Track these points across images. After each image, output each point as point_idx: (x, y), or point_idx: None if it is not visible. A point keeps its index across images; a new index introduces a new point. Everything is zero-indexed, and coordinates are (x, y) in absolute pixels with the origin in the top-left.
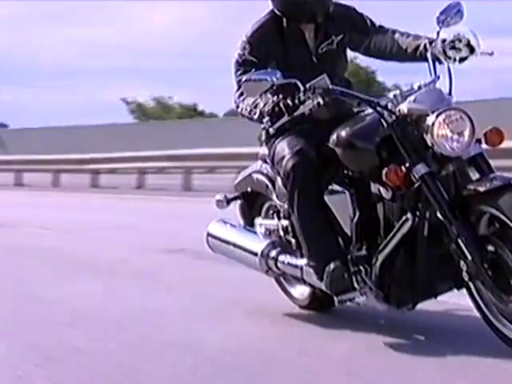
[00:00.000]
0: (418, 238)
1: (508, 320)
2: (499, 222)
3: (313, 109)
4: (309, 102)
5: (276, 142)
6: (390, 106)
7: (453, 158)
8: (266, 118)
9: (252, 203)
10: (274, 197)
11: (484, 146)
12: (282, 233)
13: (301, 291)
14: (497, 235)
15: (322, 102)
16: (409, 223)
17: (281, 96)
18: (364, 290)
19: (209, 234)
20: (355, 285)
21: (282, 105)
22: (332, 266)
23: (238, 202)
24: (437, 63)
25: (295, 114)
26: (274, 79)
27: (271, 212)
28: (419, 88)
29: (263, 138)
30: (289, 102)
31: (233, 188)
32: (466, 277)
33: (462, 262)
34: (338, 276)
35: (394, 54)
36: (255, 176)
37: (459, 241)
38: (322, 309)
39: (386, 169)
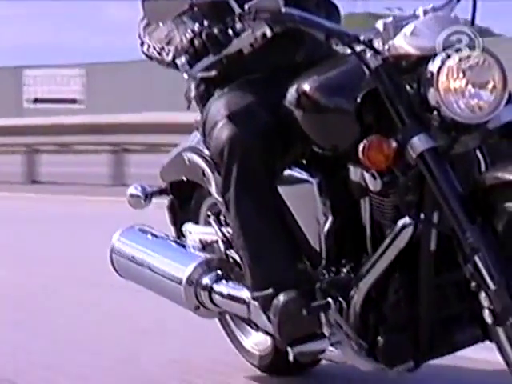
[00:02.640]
0: (422, 256)
1: None
2: None
3: (255, 44)
4: (247, 32)
5: (211, 101)
6: (375, 42)
7: (472, 127)
8: (183, 59)
9: (186, 200)
10: (213, 189)
11: None
12: (222, 246)
13: (257, 341)
14: None
15: (268, 34)
16: (408, 232)
17: (206, 23)
18: (336, 337)
19: (114, 250)
20: (324, 329)
21: (204, 37)
22: (282, 297)
23: (166, 197)
24: None
25: (226, 51)
26: None
27: (210, 215)
28: (425, 14)
29: (193, 93)
30: (215, 32)
31: (160, 176)
32: (488, 318)
33: (482, 294)
34: (292, 314)
35: None
36: (187, 156)
37: (476, 259)
38: (293, 371)
39: (364, 142)
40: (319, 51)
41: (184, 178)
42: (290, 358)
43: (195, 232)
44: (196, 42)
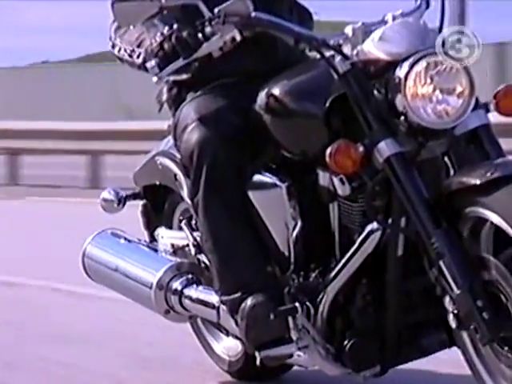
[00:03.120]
0: (389, 261)
1: None
2: (502, 234)
3: (224, 48)
4: (216, 36)
5: (183, 105)
6: (344, 47)
7: (439, 132)
8: (152, 62)
9: (159, 205)
10: (185, 193)
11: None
12: (193, 251)
13: (228, 346)
14: (500, 256)
15: (238, 38)
16: (375, 237)
17: (176, 27)
18: (304, 342)
19: (85, 254)
20: (292, 334)
21: (174, 40)
22: (250, 301)
23: (140, 202)
24: None
25: (196, 55)
26: None
27: (181, 219)
28: (394, 19)
29: (165, 97)
30: (185, 35)
31: (133, 180)
32: (453, 322)
33: (447, 299)
34: (260, 318)
35: None
36: (159, 160)
37: (441, 264)
38: (264, 377)
39: (331, 146)
40: (292, 56)
41: (157, 183)
42: (257, 362)
43: (167, 236)
44: (166, 46)
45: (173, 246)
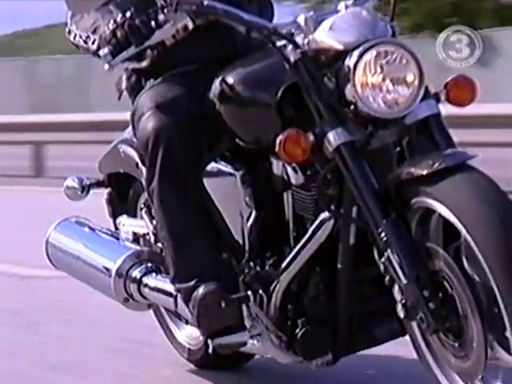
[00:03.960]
0: (341, 251)
1: (461, 378)
2: (448, 225)
3: (177, 36)
4: (169, 24)
5: (141, 93)
6: (297, 36)
7: (389, 122)
8: (105, 49)
9: (124, 193)
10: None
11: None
12: (153, 239)
13: (189, 335)
14: (446, 246)
15: (190, 26)
16: (328, 226)
17: (128, 14)
18: (256, 330)
19: (48, 242)
20: (246, 322)
21: (126, 28)
22: (202, 289)
23: (105, 190)
24: None
25: (148, 43)
26: None
27: (142, 207)
28: (346, 9)
29: (124, 85)
30: (138, 23)
31: (98, 167)
32: (401, 312)
33: (395, 288)
34: (211, 306)
35: None
36: (122, 148)
37: (389, 253)
38: (228, 366)
39: (281, 135)
40: (252, 44)
41: (121, 171)
42: (210, 350)
43: (128, 224)
44: (118, 33)
45: (134, 234)
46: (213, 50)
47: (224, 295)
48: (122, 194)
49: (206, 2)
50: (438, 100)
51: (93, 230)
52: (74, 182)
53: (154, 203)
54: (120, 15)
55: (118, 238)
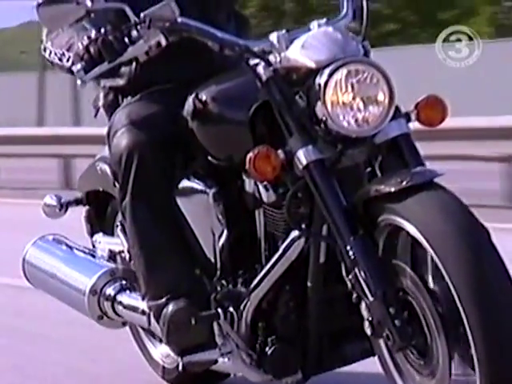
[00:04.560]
0: (311, 269)
1: None
2: (415, 242)
3: (150, 52)
4: (142, 40)
5: (117, 111)
6: (269, 54)
7: (358, 140)
8: (78, 66)
9: (102, 210)
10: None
11: (413, 124)
12: (127, 256)
13: (165, 353)
14: (413, 263)
15: (163, 43)
16: (299, 244)
17: (103, 30)
18: (227, 348)
19: (25, 259)
20: (217, 339)
21: (100, 44)
22: (172, 306)
23: (83, 208)
24: None
25: (121, 59)
26: (88, 2)
27: (118, 224)
28: (319, 27)
29: (101, 102)
30: (111, 39)
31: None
32: (368, 330)
33: (362, 306)
34: (181, 323)
35: None
36: (99, 166)
37: (356, 271)
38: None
39: (251, 152)
40: (228, 63)
41: (99, 188)
42: (180, 367)
43: (104, 242)
44: (91, 49)
45: (110, 251)
46: (190, 68)
47: (194, 312)
48: (100, 211)
49: (179, 19)
50: (408, 119)
51: (70, 247)
52: (52, 199)
53: (127, 220)
54: (94, 31)
55: (94, 256)
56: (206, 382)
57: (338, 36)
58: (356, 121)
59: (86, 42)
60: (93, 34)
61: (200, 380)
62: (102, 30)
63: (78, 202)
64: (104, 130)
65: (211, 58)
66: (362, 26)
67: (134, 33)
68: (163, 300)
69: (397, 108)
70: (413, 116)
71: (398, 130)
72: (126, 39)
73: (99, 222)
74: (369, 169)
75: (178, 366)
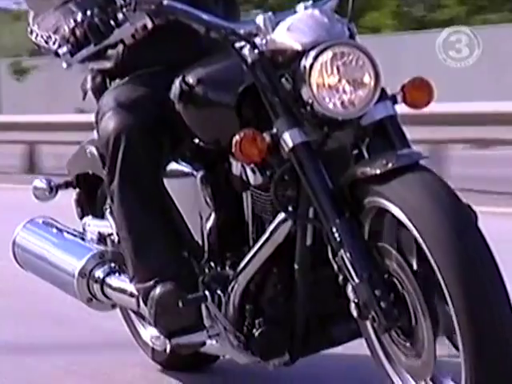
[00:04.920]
0: (298, 251)
1: (412, 377)
2: (400, 224)
3: (136, 35)
4: (128, 23)
5: (105, 93)
6: (255, 36)
7: (345, 123)
8: (64, 49)
9: (92, 193)
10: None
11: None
12: (116, 239)
13: (155, 335)
14: (397, 245)
15: (149, 25)
16: (286, 227)
17: (89, 13)
18: (215, 330)
19: (15, 242)
20: (205, 322)
21: (86, 26)
22: (159, 289)
23: (74, 190)
24: None
25: (107, 42)
26: None
27: (107, 207)
28: (305, 9)
29: (89, 85)
30: (97, 21)
31: (66, 169)
32: (354, 311)
33: (349, 288)
34: (168, 306)
35: None
36: (89, 149)
37: (342, 253)
38: (193, 366)
39: (237, 135)
40: (218, 45)
41: (89, 171)
42: (167, 349)
43: (93, 225)
44: (77, 32)
45: (100, 234)
46: (179, 51)
47: (182, 295)
48: (90, 194)
49: (165, 2)
50: (394, 102)
51: (60, 230)
52: (42, 182)
53: (114, 203)
54: (80, 14)
55: (84, 239)
56: (196, 365)
57: (323, 18)
58: (342, 103)
59: (72, 24)
60: (79, 16)
61: (189, 362)
62: (88, 13)
63: (68, 184)
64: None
65: (199, 41)
66: (349, 9)
67: (120, 15)
68: (151, 283)
69: (383, 90)
70: (399, 98)
71: (385, 112)
72: (112, 22)
73: (89, 205)
74: (356, 151)
75: (166, 348)
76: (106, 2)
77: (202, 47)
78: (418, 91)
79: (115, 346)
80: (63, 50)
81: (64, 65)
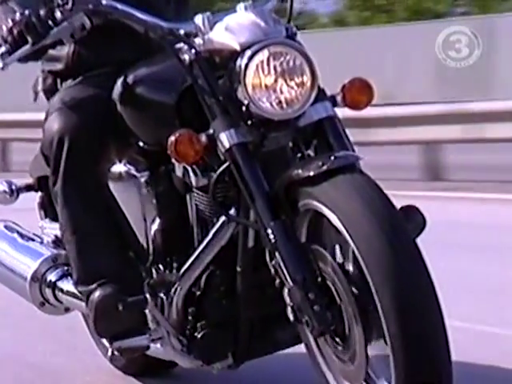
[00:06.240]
0: (240, 253)
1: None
2: (332, 226)
3: (75, 35)
4: (65, 23)
5: (55, 95)
6: (193, 36)
7: (281, 124)
8: (3, 48)
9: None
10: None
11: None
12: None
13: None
14: (332, 248)
15: (88, 25)
16: (229, 229)
17: (27, 12)
18: (157, 334)
19: None
20: (150, 325)
21: (22, 26)
22: (99, 292)
23: (37, 194)
24: None
25: (44, 41)
26: None
27: None
28: (245, 9)
29: (40, 87)
30: (34, 21)
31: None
32: (290, 315)
33: (285, 291)
34: (107, 309)
35: None
36: None
37: (277, 256)
38: (151, 371)
39: (173, 136)
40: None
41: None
42: (109, 353)
43: (49, 228)
44: (15, 31)
45: (56, 237)
46: (129, 51)
47: (122, 298)
48: (51, 197)
49: (104, 2)
50: (334, 102)
51: (20, 234)
52: (2, 185)
53: (58, 204)
54: (18, 14)
55: (42, 242)
56: (153, 370)
57: (261, 18)
58: (279, 103)
59: (10, 24)
60: (17, 15)
61: (148, 367)
62: (26, 12)
63: (29, 187)
64: None
65: (150, 41)
66: (287, 10)
67: (58, 15)
68: (93, 286)
69: (322, 91)
70: (339, 99)
71: (324, 113)
72: (50, 21)
73: (52, 208)
74: (297, 153)
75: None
76: (45, 1)
77: (152, 47)
78: (358, 92)
79: None
80: (2, 49)
81: (0, 65)
